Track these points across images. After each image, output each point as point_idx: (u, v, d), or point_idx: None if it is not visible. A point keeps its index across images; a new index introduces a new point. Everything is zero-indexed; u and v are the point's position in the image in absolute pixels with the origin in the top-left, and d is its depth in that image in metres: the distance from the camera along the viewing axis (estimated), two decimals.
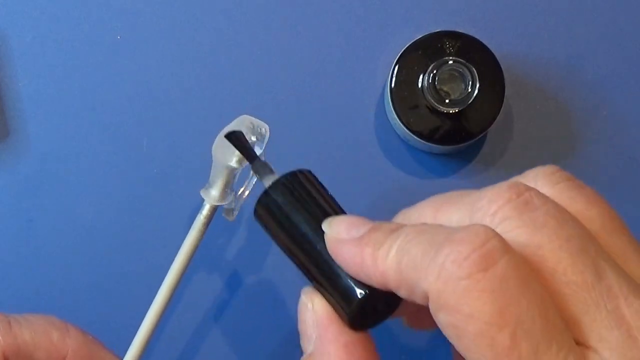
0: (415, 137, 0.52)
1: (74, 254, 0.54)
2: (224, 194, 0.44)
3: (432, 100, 0.50)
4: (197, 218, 0.44)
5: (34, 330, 0.40)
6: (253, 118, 0.43)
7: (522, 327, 0.27)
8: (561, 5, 0.55)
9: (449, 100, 0.50)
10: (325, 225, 0.35)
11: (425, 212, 0.35)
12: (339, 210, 0.37)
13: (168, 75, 0.55)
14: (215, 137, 0.44)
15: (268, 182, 0.38)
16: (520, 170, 0.54)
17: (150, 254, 0.54)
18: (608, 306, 0.28)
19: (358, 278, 0.33)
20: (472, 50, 0.51)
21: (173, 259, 0.45)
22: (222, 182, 0.44)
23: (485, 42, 0.51)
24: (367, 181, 0.55)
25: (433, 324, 0.35)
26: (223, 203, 0.44)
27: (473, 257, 0.28)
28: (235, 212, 0.45)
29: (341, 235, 0.34)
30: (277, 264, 0.54)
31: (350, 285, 0.33)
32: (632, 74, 0.55)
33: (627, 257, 0.31)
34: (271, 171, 0.39)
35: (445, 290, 0.28)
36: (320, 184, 0.38)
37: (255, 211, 0.37)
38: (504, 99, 0.51)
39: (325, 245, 0.34)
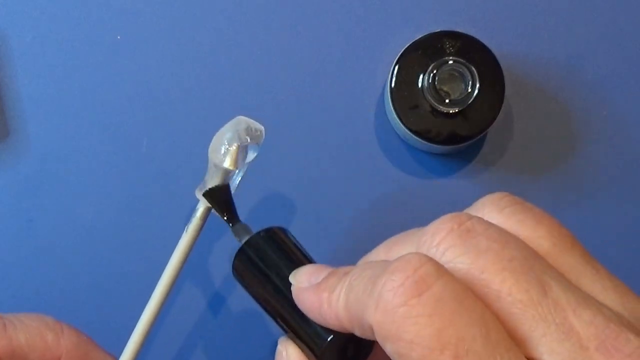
0: (415, 137, 0.52)
1: (74, 254, 0.54)
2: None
3: (432, 100, 0.50)
4: (191, 219, 0.44)
5: (29, 332, 0.40)
6: (249, 119, 0.43)
7: (463, 348, 0.28)
8: (561, 5, 0.55)
9: (449, 100, 0.50)
10: (291, 277, 0.36)
11: (379, 254, 0.36)
12: (309, 262, 0.38)
13: (168, 75, 0.55)
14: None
15: (241, 239, 0.40)
16: (520, 170, 0.54)
17: (150, 254, 0.54)
18: (557, 320, 0.28)
19: (320, 323, 0.34)
20: (472, 50, 0.51)
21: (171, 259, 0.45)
22: (217, 183, 0.43)
23: (485, 42, 0.51)
24: (367, 181, 0.55)
25: None
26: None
27: (407, 284, 0.29)
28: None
29: (303, 284, 0.35)
30: None
31: (317, 331, 0.35)
32: (632, 74, 0.55)
33: (579, 273, 0.31)
34: (249, 232, 0.41)
35: (385, 320, 0.29)
36: (293, 238, 0.40)
37: (233, 269, 0.39)
38: (504, 99, 0.51)
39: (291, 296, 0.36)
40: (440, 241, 0.31)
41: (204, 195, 0.43)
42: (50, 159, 0.54)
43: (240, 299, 0.54)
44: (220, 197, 0.43)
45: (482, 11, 0.55)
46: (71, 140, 0.54)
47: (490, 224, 0.31)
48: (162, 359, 0.54)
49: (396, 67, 0.52)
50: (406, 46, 0.52)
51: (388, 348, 0.29)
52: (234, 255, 0.39)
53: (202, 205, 0.44)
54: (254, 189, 0.54)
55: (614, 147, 0.55)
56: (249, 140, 0.43)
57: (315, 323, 0.35)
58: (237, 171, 0.43)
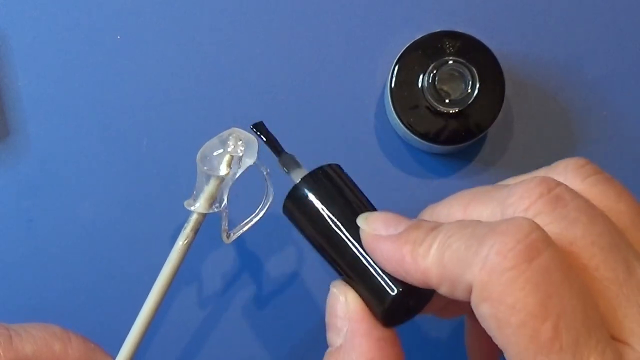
0: (415, 137, 0.52)
1: (74, 254, 0.54)
2: (209, 203, 0.44)
3: (432, 100, 0.50)
4: (182, 231, 0.44)
5: (35, 342, 0.40)
6: (242, 131, 0.43)
7: (564, 319, 0.28)
8: (561, 5, 0.55)
9: (449, 100, 0.50)
10: (361, 221, 0.35)
11: (453, 209, 0.35)
12: (369, 206, 0.37)
13: (168, 76, 0.55)
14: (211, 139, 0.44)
15: (297, 176, 0.38)
16: (520, 170, 0.54)
17: (150, 254, 0.54)
18: (639, 301, 0.28)
19: (396, 275, 0.33)
20: (472, 50, 0.51)
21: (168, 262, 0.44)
22: (208, 192, 0.44)
23: (485, 42, 0.51)
24: (367, 181, 0.54)
25: (455, 313, 0.35)
26: (209, 212, 0.44)
27: (518, 249, 0.28)
28: (232, 236, 0.45)
29: (379, 232, 0.34)
30: (271, 272, 0.54)
31: (385, 282, 0.34)
32: (632, 74, 0.55)
33: None
34: (298, 165, 0.39)
35: (489, 281, 0.28)
36: (349, 178, 0.38)
37: (285, 206, 0.37)
38: (504, 99, 0.51)
39: (358, 240, 0.35)
40: (529, 205, 0.30)
41: (252, 127, 0.41)
42: (50, 159, 0.54)
43: (237, 299, 0.54)
44: (263, 131, 0.41)
45: (482, 11, 0.55)
46: (71, 140, 0.54)
47: (577, 194, 0.31)
48: (160, 358, 0.54)
49: (396, 67, 0.52)
50: (406, 46, 0.52)
51: (484, 310, 0.29)
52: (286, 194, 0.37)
53: (194, 215, 0.44)
54: (253, 189, 0.54)
55: (614, 147, 0.55)
56: (239, 152, 0.43)
57: (383, 272, 0.34)
58: (229, 179, 0.43)
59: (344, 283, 0.35)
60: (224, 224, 0.44)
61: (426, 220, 0.33)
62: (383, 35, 0.55)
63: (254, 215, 0.43)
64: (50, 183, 0.54)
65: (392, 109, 0.52)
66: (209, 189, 0.43)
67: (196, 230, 0.44)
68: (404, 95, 0.51)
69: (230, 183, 0.44)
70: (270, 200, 0.43)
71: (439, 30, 0.52)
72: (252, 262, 0.54)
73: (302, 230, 0.37)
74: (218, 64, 0.55)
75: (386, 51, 0.55)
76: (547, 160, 0.55)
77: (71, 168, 0.54)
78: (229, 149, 0.43)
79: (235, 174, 0.43)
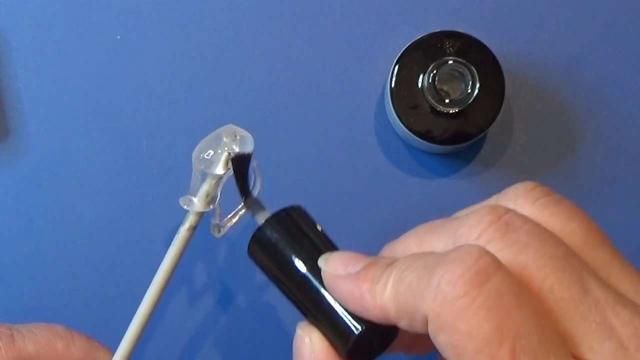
0: (415, 137, 0.52)
1: (74, 254, 0.54)
2: (206, 202, 0.43)
3: (432, 100, 0.50)
4: (179, 230, 0.44)
5: (38, 341, 0.40)
6: (238, 128, 0.43)
7: (520, 342, 0.28)
8: (561, 5, 0.55)
9: (449, 100, 0.50)
10: (322, 262, 0.35)
11: (409, 244, 0.35)
12: (331, 246, 0.37)
13: (168, 75, 0.55)
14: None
15: (261, 219, 0.38)
16: (520, 170, 0.54)
17: (150, 254, 0.54)
18: (597, 319, 0.29)
19: (357, 313, 0.33)
20: (472, 50, 0.51)
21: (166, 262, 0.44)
22: (205, 190, 0.43)
23: (485, 42, 0.51)
24: (367, 181, 0.55)
25: (426, 349, 0.35)
26: (206, 210, 0.43)
27: (467, 275, 0.28)
28: (223, 230, 0.45)
29: (338, 272, 0.34)
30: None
31: (348, 320, 0.34)
32: (632, 74, 0.55)
33: (609, 270, 0.31)
34: (262, 208, 0.39)
35: (442, 311, 0.29)
36: (312, 219, 0.38)
37: (249, 248, 0.38)
38: (504, 99, 0.51)
39: (320, 281, 0.35)
40: (480, 234, 0.31)
41: (231, 159, 0.41)
42: (50, 159, 0.54)
43: (234, 297, 0.54)
44: (241, 166, 0.41)
45: (482, 11, 0.55)
46: (71, 140, 0.54)
47: (527, 218, 0.31)
48: (159, 357, 0.54)
49: (396, 67, 0.52)
50: (406, 46, 0.52)
51: (441, 340, 0.29)
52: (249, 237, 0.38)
53: (191, 214, 0.43)
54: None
55: (614, 147, 0.55)
56: (234, 148, 0.43)
57: (345, 311, 0.34)
58: (225, 177, 0.43)
59: (309, 324, 0.36)
60: (216, 220, 0.44)
61: (383, 257, 0.34)
62: (383, 35, 0.55)
63: (240, 207, 0.43)
64: (50, 183, 0.54)
65: (392, 109, 0.52)
66: (205, 187, 0.43)
67: (193, 229, 0.44)
68: (404, 95, 0.51)
69: (226, 179, 0.43)
70: (257, 190, 0.43)
71: (439, 30, 0.52)
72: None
73: (266, 272, 0.38)
74: (218, 64, 0.55)
75: (386, 51, 0.55)
76: (547, 160, 0.55)
77: (71, 168, 0.54)
78: (226, 147, 0.43)
79: (230, 172, 0.43)
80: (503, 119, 0.55)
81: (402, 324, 0.31)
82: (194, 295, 0.54)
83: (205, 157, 0.43)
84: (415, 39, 0.52)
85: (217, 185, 0.43)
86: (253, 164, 0.43)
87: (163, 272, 0.43)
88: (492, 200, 0.34)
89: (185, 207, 0.43)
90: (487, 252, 0.29)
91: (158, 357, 0.54)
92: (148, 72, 0.55)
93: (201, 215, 0.44)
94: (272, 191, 0.55)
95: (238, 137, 0.42)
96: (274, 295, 0.54)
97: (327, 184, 0.55)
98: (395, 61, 0.52)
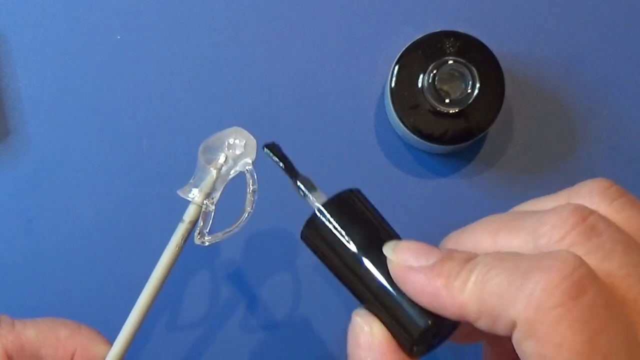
0: (415, 137, 0.52)
1: (73, 254, 0.54)
2: (206, 194, 0.43)
3: (432, 100, 0.50)
4: (179, 224, 0.43)
5: (39, 328, 0.40)
6: (245, 132, 0.43)
7: (609, 358, 0.27)
8: (561, 5, 0.55)
9: (449, 100, 0.50)
10: (388, 251, 0.34)
11: (481, 237, 0.34)
12: (393, 233, 0.36)
13: (168, 76, 0.55)
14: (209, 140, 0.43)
15: (316, 200, 0.36)
16: (520, 170, 0.54)
17: (149, 253, 0.54)
18: None
19: (430, 308, 0.32)
20: (472, 50, 0.51)
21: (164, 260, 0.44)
22: (205, 184, 0.43)
23: (485, 42, 0.51)
24: (367, 181, 0.55)
25: (476, 340, 0.35)
26: (202, 205, 0.43)
27: (564, 286, 0.28)
28: (207, 240, 0.44)
29: (409, 263, 0.33)
30: (264, 265, 0.54)
31: (415, 313, 0.33)
32: (632, 74, 0.55)
33: None
34: (315, 188, 0.38)
35: (535, 319, 0.28)
36: (371, 203, 0.37)
37: (304, 232, 0.36)
38: (504, 99, 0.51)
39: (384, 270, 0.34)
40: (564, 236, 0.30)
41: (266, 147, 0.39)
42: (50, 159, 0.54)
43: (232, 300, 0.54)
44: (277, 152, 0.39)
45: (482, 11, 0.55)
46: (71, 140, 0.54)
47: (609, 222, 0.31)
48: (157, 356, 0.54)
49: (396, 67, 0.52)
50: (406, 46, 0.52)
51: (528, 347, 0.28)
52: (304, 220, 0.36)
53: (192, 209, 0.43)
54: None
55: (614, 147, 0.55)
56: (237, 151, 0.43)
57: (411, 303, 0.33)
58: (225, 177, 0.43)
59: (368, 312, 0.34)
60: (205, 226, 0.44)
61: (458, 251, 0.33)
62: (383, 35, 0.55)
63: (235, 226, 0.43)
64: (50, 183, 0.54)
65: (392, 109, 0.52)
66: (206, 181, 0.43)
67: (193, 223, 0.43)
68: (404, 95, 0.51)
69: (227, 179, 0.43)
70: (247, 215, 0.43)
71: (439, 30, 0.52)
72: (251, 274, 0.54)
73: (322, 259, 0.36)
74: (218, 64, 0.55)
75: (386, 51, 0.55)
76: (547, 160, 0.55)
77: (71, 168, 0.54)
78: (227, 148, 0.43)
79: (230, 171, 0.43)
80: (503, 119, 0.55)
81: (480, 324, 0.31)
82: (193, 293, 0.54)
83: (209, 152, 0.43)
84: (415, 39, 0.52)
85: (215, 180, 0.43)
86: (250, 184, 0.42)
87: (161, 268, 0.43)
88: (564, 196, 0.33)
89: (181, 195, 0.43)
90: (583, 263, 0.29)
91: (156, 355, 0.54)
92: (148, 72, 0.55)
93: (199, 209, 0.43)
94: (272, 191, 0.55)
95: (239, 142, 0.42)
96: (275, 297, 0.54)
97: (327, 184, 0.55)
98: (395, 61, 0.52)
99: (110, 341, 0.44)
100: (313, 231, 0.36)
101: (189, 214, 0.43)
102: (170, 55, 0.55)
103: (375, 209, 0.36)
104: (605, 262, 0.29)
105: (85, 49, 0.55)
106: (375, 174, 0.55)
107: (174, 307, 0.54)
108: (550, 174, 0.55)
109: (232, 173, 0.43)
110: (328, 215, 0.35)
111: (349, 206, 0.36)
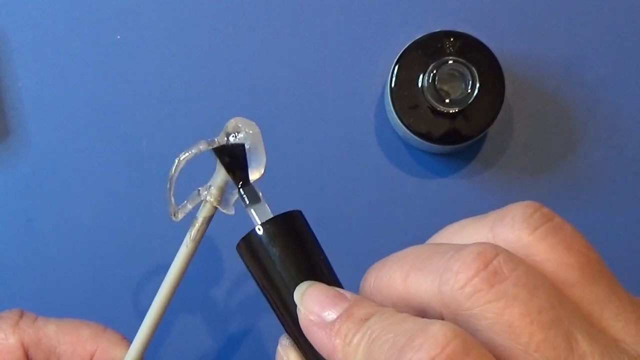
0: (415, 137, 0.52)
1: (73, 254, 0.54)
2: (221, 192, 0.42)
3: (432, 100, 0.50)
4: (193, 223, 0.42)
5: (61, 326, 0.41)
6: (244, 119, 0.42)
7: None
8: (561, 5, 0.55)
9: (449, 100, 0.50)
10: (297, 295, 0.34)
11: (394, 277, 0.34)
12: (321, 266, 0.36)
13: (168, 75, 0.55)
14: (215, 137, 0.43)
15: (257, 217, 0.36)
16: (520, 170, 0.54)
17: (149, 253, 0.54)
18: None
19: None
20: (472, 50, 0.51)
21: (173, 259, 0.44)
22: (217, 182, 0.42)
23: (485, 42, 0.51)
24: (367, 181, 0.55)
25: None
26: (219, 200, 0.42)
27: None
28: (180, 215, 0.42)
29: (312, 316, 0.33)
30: None
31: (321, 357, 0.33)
32: (632, 74, 0.55)
33: (604, 305, 0.31)
34: (258, 199, 0.37)
35: None
36: (309, 229, 0.36)
37: (240, 246, 0.36)
38: (504, 99, 0.51)
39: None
40: (464, 283, 0.30)
41: (214, 150, 0.38)
42: (50, 159, 0.54)
43: (245, 302, 0.54)
44: (231, 153, 0.38)
45: (482, 11, 0.55)
46: (71, 140, 0.54)
47: (517, 263, 0.30)
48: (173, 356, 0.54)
49: (396, 67, 0.52)
50: (406, 46, 0.52)
51: None
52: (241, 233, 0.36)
53: (206, 208, 0.42)
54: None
55: (614, 147, 0.55)
56: (244, 142, 0.42)
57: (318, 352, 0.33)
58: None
59: (289, 342, 0.35)
60: (172, 203, 0.42)
61: (360, 304, 0.33)
62: (383, 35, 0.55)
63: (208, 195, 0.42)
64: (50, 183, 0.54)
65: (392, 109, 0.52)
66: (217, 179, 0.42)
67: (208, 221, 0.42)
68: (404, 95, 0.51)
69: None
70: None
71: (439, 30, 0.52)
72: None
73: (252, 275, 0.36)
74: (218, 64, 0.55)
75: (386, 51, 0.55)
76: (547, 160, 0.55)
77: (71, 168, 0.54)
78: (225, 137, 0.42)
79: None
80: (503, 119, 0.55)
81: None
82: (207, 294, 0.54)
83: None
84: (415, 39, 0.52)
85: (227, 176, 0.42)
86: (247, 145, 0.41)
87: (180, 261, 0.42)
88: (488, 222, 0.33)
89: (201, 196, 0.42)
90: (455, 336, 0.28)
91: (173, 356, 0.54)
92: (148, 72, 0.55)
93: (215, 207, 0.42)
94: (272, 191, 0.55)
95: (242, 132, 0.41)
96: None
97: (327, 184, 0.55)
98: (395, 61, 0.52)
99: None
100: (247, 248, 0.35)
101: (203, 213, 0.42)
102: (170, 55, 0.55)
103: (312, 236, 0.36)
104: (506, 310, 0.29)
105: (85, 48, 0.55)
106: (375, 174, 0.55)
107: (189, 308, 0.54)
108: (550, 174, 0.55)
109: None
110: (267, 237, 0.35)
111: (288, 229, 0.35)
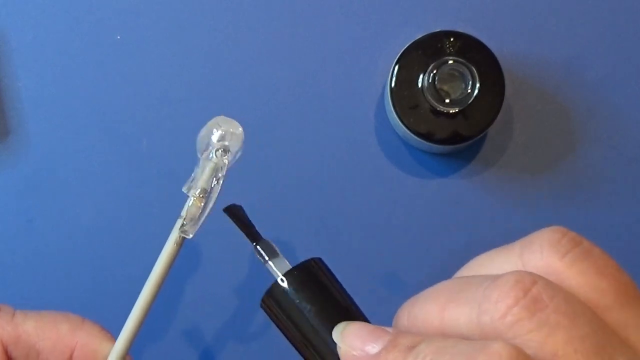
0: (415, 137, 0.52)
1: (73, 254, 0.54)
2: (202, 190, 0.42)
3: (432, 100, 0.50)
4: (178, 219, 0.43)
5: (40, 320, 0.40)
6: (227, 118, 0.42)
7: None
8: (561, 5, 0.55)
9: (449, 100, 0.50)
10: (337, 335, 0.34)
11: (430, 312, 0.33)
12: (350, 307, 0.35)
13: (168, 75, 0.55)
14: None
15: (277, 269, 0.36)
16: (520, 170, 0.54)
17: (150, 254, 0.54)
18: None
19: None
20: (472, 50, 0.51)
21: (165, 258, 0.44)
22: (202, 179, 0.42)
23: (485, 42, 0.51)
24: (367, 181, 0.55)
25: None
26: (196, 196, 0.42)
27: None
28: (193, 230, 0.42)
29: (356, 351, 0.32)
30: None
31: None
32: (632, 74, 0.55)
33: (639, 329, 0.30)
34: (276, 253, 0.37)
35: None
36: (331, 273, 0.36)
37: (264, 301, 0.35)
38: (504, 99, 0.51)
39: (336, 349, 0.33)
40: (505, 312, 0.29)
41: (224, 210, 0.39)
42: (50, 159, 0.54)
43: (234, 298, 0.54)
44: (240, 213, 0.39)
45: (482, 11, 0.55)
46: (71, 140, 0.54)
47: (555, 290, 0.30)
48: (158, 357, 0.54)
49: (396, 67, 0.52)
50: (406, 46, 0.52)
51: None
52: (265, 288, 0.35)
53: (191, 202, 0.42)
54: (252, 188, 0.54)
55: (614, 147, 0.55)
56: (226, 143, 0.42)
57: None
58: (222, 172, 0.42)
59: None
60: (191, 219, 0.43)
61: (404, 335, 0.32)
62: (383, 35, 0.55)
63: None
64: (50, 183, 0.54)
65: (392, 109, 0.52)
66: (197, 174, 0.42)
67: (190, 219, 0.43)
68: (404, 95, 0.51)
69: (220, 172, 0.42)
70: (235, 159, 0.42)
71: (439, 30, 0.52)
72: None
73: (280, 329, 0.35)
74: (218, 64, 0.55)
75: (386, 51, 0.55)
76: (547, 160, 0.55)
77: (71, 168, 0.54)
78: (217, 140, 0.42)
79: (225, 163, 0.42)
80: (503, 119, 0.55)
81: None
82: (196, 291, 0.54)
83: (202, 148, 0.42)
84: (415, 39, 0.52)
85: (208, 174, 0.42)
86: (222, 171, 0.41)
87: (161, 264, 0.42)
88: (516, 251, 0.32)
89: (184, 191, 0.42)
90: (519, 354, 0.28)
91: (162, 354, 0.54)
92: (148, 72, 0.55)
93: (196, 204, 0.42)
94: (272, 191, 0.55)
95: (226, 132, 0.42)
96: None
97: (327, 184, 0.55)
98: (395, 61, 0.52)
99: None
100: (272, 301, 0.35)
101: (185, 210, 0.43)
102: (170, 55, 0.55)
103: (335, 280, 0.36)
104: (550, 338, 0.29)
105: (85, 48, 0.55)
106: (375, 174, 0.55)
107: (178, 305, 0.54)
108: (550, 174, 0.55)
109: (223, 166, 0.42)
110: (291, 287, 0.35)
111: (312, 277, 0.35)
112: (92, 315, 0.54)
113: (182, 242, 0.43)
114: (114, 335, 0.43)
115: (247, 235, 0.38)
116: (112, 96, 0.55)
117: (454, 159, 0.55)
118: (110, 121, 0.55)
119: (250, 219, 0.38)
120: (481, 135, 0.52)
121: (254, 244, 0.37)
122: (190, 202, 0.42)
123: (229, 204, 0.39)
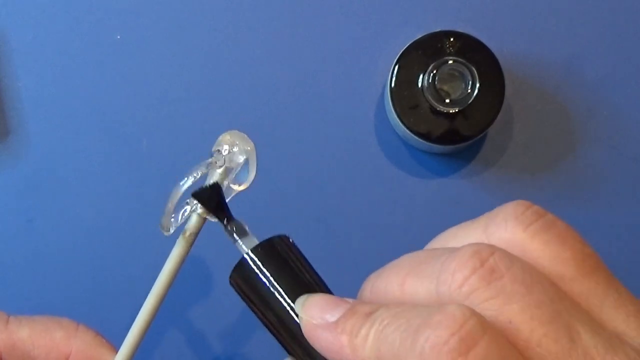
0: (415, 137, 0.52)
1: (73, 254, 0.54)
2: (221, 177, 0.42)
3: (432, 100, 0.50)
4: (185, 228, 0.42)
5: (34, 328, 0.40)
6: (241, 134, 0.42)
7: None
8: (561, 5, 0.55)
9: (449, 100, 0.50)
10: (298, 307, 0.34)
11: (391, 282, 0.34)
12: (315, 282, 0.36)
13: (168, 75, 0.55)
14: (215, 137, 0.43)
15: (245, 246, 0.37)
16: (520, 170, 0.54)
17: (149, 254, 0.54)
18: None
19: None
20: (472, 50, 0.51)
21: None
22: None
23: (485, 42, 0.51)
24: (367, 181, 0.55)
25: None
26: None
27: (452, 342, 0.28)
28: (173, 227, 0.42)
29: (315, 320, 0.33)
30: None
31: None
32: (632, 74, 0.55)
33: (603, 298, 0.30)
34: (245, 232, 0.37)
35: None
36: (298, 250, 0.37)
37: (231, 277, 0.36)
38: (504, 99, 0.51)
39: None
40: (462, 282, 0.30)
41: (192, 195, 0.39)
42: (50, 159, 0.54)
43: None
44: (211, 195, 0.39)
45: (482, 11, 0.55)
46: (71, 140, 0.54)
47: (513, 260, 0.30)
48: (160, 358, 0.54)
49: (396, 67, 0.52)
50: (406, 46, 0.52)
51: None
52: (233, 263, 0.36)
53: (198, 210, 0.42)
54: (252, 188, 0.54)
55: (614, 147, 0.55)
56: (242, 158, 0.42)
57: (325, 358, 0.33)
58: (227, 182, 0.42)
59: None
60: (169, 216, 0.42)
61: (363, 303, 0.33)
62: (383, 35, 0.55)
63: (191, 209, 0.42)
64: (50, 183, 0.54)
65: (392, 109, 0.52)
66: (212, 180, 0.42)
67: (197, 233, 0.42)
68: (404, 95, 0.51)
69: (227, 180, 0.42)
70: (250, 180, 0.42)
71: (439, 30, 0.52)
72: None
73: (248, 303, 0.36)
74: (218, 64, 0.55)
75: (386, 51, 0.55)
76: (547, 160, 0.55)
77: (71, 168, 0.54)
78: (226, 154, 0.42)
79: (230, 171, 0.42)
80: (503, 119, 0.55)
81: None
82: (201, 296, 0.54)
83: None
84: (415, 39, 0.52)
85: (224, 182, 0.42)
86: (239, 159, 0.41)
87: (172, 263, 0.42)
88: (482, 224, 0.33)
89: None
90: (473, 314, 0.28)
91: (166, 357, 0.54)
92: (148, 72, 0.55)
93: (203, 219, 0.42)
94: (272, 191, 0.55)
95: (237, 148, 0.41)
96: None
97: (327, 184, 0.55)
98: (395, 61, 0.52)
99: (113, 342, 0.44)
100: (239, 277, 0.36)
101: (196, 222, 0.42)
102: (170, 55, 0.55)
103: (302, 256, 0.36)
104: (505, 306, 0.29)
105: (85, 48, 0.55)
106: (375, 174, 0.55)
107: (178, 305, 0.54)
108: (550, 174, 0.55)
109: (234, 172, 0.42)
110: (257, 261, 0.35)
111: (277, 252, 0.36)
112: (92, 315, 0.54)
113: (187, 254, 0.42)
114: (114, 337, 0.43)
115: (217, 215, 0.38)
116: (112, 96, 0.55)
117: (454, 159, 0.55)
118: (110, 121, 0.55)
119: (224, 199, 0.39)
120: (481, 135, 0.52)
121: (224, 223, 0.38)
122: (193, 216, 0.41)
123: (196, 190, 0.39)
